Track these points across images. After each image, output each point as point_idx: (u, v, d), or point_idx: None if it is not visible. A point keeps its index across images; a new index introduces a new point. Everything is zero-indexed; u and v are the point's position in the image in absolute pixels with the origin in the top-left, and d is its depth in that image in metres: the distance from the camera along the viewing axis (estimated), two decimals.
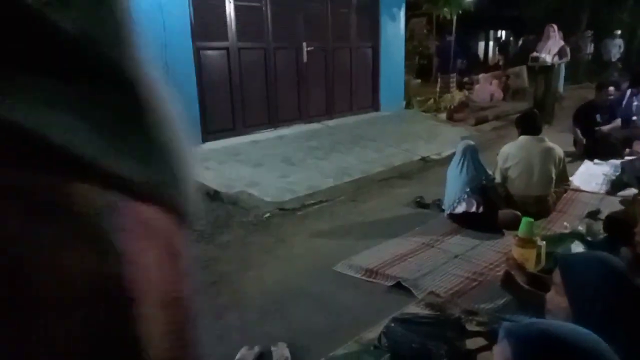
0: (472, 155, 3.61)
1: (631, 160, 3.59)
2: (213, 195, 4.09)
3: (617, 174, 4.67)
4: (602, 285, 1.09)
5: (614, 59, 13.68)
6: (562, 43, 7.62)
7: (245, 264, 3.11)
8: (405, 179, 5.01)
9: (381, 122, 7.46)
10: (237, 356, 2.04)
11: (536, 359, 0.96)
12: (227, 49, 5.75)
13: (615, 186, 4.30)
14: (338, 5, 7.26)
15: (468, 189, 3.43)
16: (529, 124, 3.83)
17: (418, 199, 4.13)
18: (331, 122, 7.18)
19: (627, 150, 5.34)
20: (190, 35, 5.23)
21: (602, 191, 4.28)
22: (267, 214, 3.84)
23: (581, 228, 3.31)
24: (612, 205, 3.91)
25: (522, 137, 3.82)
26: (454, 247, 3.15)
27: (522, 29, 20.07)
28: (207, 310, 2.56)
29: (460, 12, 10.15)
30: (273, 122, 6.47)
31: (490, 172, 3.73)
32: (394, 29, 8.21)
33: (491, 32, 21.49)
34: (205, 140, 5.50)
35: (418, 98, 8.69)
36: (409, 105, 8.47)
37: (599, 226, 3.28)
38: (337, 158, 5.62)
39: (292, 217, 3.90)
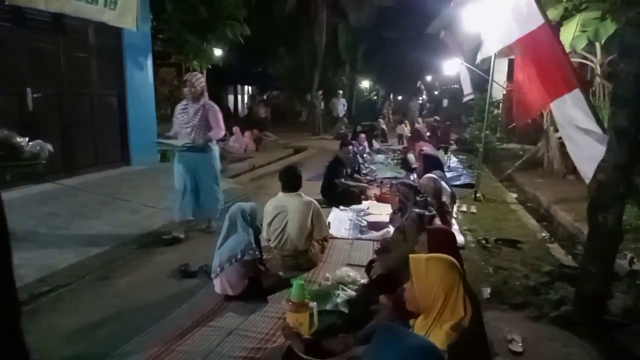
0: (238, 222, 3.38)
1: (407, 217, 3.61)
2: None
3: (360, 217, 5.37)
4: None
5: (340, 115, 16.40)
6: None
7: None
8: (168, 243, 4.51)
9: (134, 178, 6.75)
10: None
11: None
12: None
13: None
14: (73, 48, 6.36)
15: (219, 269, 3.20)
16: (287, 181, 3.93)
17: (183, 268, 3.74)
18: (70, 181, 6.10)
19: (363, 196, 6.20)
20: None
21: (351, 236, 4.76)
22: None
23: (341, 276, 3.52)
24: (362, 248, 4.37)
25: (281, 194, 3.91)
26: (226, 322, 2.87)
27: (268, 83, 22.25)
28: None
29: (210, 66, 10.38)
30: None
31: (250, 240, 3.38)
32: (142, 77, 7.70)
33: (239, 87, 22.99)
34: None
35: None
36: (164, 157, 7.98)
37: (353, 272, 3.55)
38: (81, 225, 4.71)
39: None
